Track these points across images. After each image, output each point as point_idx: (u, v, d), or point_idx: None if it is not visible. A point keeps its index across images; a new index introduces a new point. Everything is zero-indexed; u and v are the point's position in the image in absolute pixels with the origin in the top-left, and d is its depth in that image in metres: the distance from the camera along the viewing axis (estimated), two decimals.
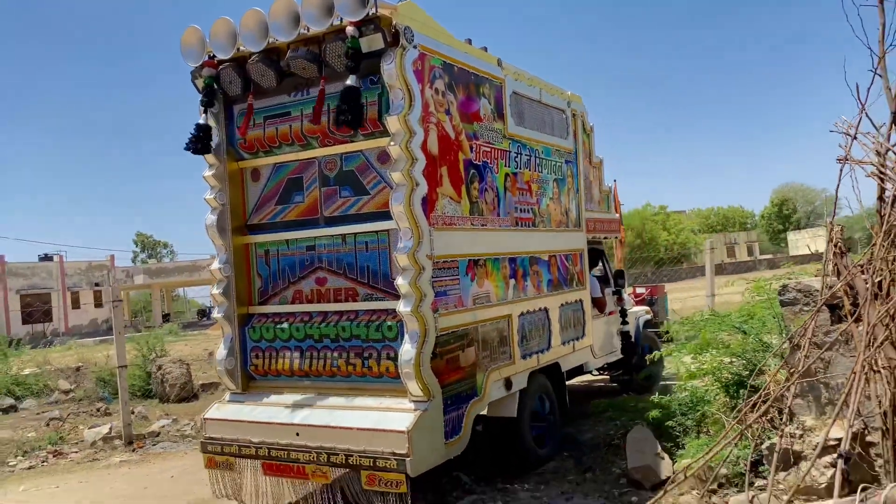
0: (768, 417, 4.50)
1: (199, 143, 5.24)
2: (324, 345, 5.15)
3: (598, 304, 7.73)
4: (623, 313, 8.47)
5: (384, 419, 4.59)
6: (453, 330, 4.96)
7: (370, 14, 4.55)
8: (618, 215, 8.83)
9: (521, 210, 6.06)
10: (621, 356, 8.39)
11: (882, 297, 3.93)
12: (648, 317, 9.27)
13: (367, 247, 5.03)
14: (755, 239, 72.42)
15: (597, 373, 8.64)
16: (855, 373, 3.74)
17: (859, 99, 4.26)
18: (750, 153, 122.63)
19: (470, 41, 5.55)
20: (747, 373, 5.27)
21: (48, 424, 10.59)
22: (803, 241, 59.13)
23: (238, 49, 5.10)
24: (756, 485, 4.56)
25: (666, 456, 5.52)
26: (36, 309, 40.04)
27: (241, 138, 5.37)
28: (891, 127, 4.23)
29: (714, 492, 4.92)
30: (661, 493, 4.48)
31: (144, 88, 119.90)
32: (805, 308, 4.85)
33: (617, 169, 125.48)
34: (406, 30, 4.67)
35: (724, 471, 4.88)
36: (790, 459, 4.53)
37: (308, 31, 4.85)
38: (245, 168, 5.55)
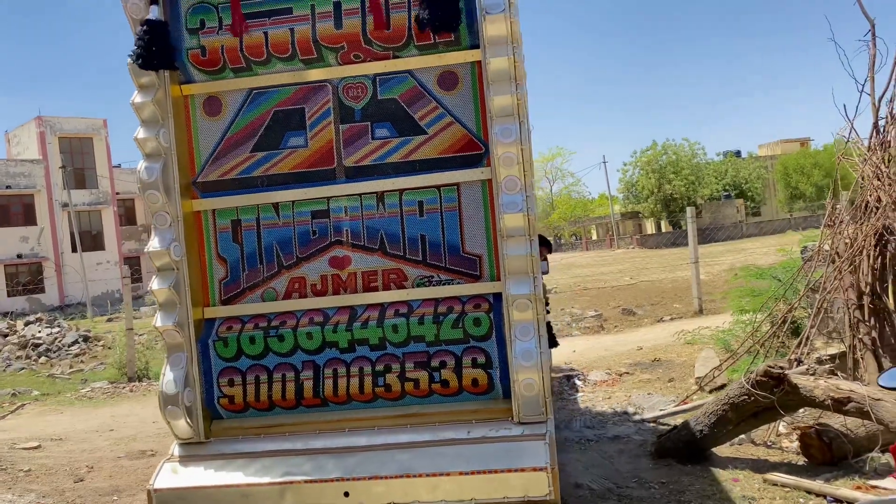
0: (779, 340, 6.51)
1: (157, 50, 3.52)
2: (357, 355, 3.62)
3: None
4: (546, 302, 6.80)
5: (496, 453, 3.32)
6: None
7: None
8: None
9: None
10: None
11: (839, 255, 5.89)
12: None
13: (422, 209, 3.65)
14: None
15: None
16: (815, 306, 5.77)
17: (847, 116, 6.05)
18: None
19: None
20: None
21: None
22: None
23: None
24: None
25: (724, 370, 7.64)
26: None
27: (198, 47, 3.67)
28: (871, 135, 6.01)
29: None
30: (696, 389, 6.69)
31: None
32: (818, 263, 6.77)
33: None
34: None
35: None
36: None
37: None
38: (193, 95, 3.76)
